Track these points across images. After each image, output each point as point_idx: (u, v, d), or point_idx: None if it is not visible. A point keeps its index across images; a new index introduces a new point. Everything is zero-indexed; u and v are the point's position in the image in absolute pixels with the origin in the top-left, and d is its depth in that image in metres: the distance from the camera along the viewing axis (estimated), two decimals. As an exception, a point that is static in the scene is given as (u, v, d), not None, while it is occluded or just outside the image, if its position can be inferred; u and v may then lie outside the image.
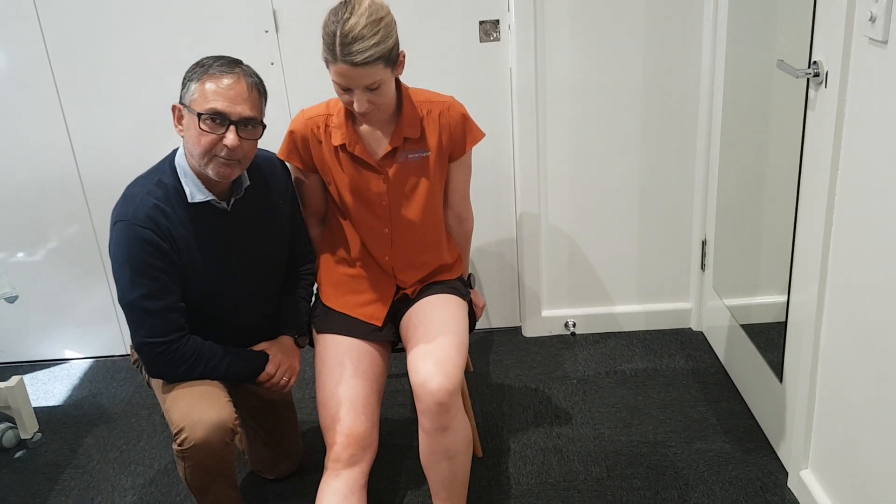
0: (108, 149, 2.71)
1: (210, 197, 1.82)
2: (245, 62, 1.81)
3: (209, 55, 1.78)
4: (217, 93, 1.72)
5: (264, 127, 1.81)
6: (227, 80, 1.73)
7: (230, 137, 1.73)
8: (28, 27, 2.55)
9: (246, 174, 1.89)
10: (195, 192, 1.81)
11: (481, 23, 2.57)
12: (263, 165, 1.96)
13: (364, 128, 1.94)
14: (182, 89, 1.77)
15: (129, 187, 1.83)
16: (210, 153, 1.74)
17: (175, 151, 1.86)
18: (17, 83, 2.63)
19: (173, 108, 1.80)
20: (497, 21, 2.57)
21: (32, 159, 2.73)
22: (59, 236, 2.85)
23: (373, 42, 1.70)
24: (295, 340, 2.06)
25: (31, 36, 2.57)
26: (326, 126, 1.94)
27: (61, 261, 2.88)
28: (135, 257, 1.76)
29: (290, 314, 2.07)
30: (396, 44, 1.77)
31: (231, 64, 1.76)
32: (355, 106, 1.78)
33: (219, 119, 1.73)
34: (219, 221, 1.87)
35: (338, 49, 1.70)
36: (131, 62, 2.60)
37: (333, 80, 1.77)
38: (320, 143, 1.96)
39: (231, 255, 1.90)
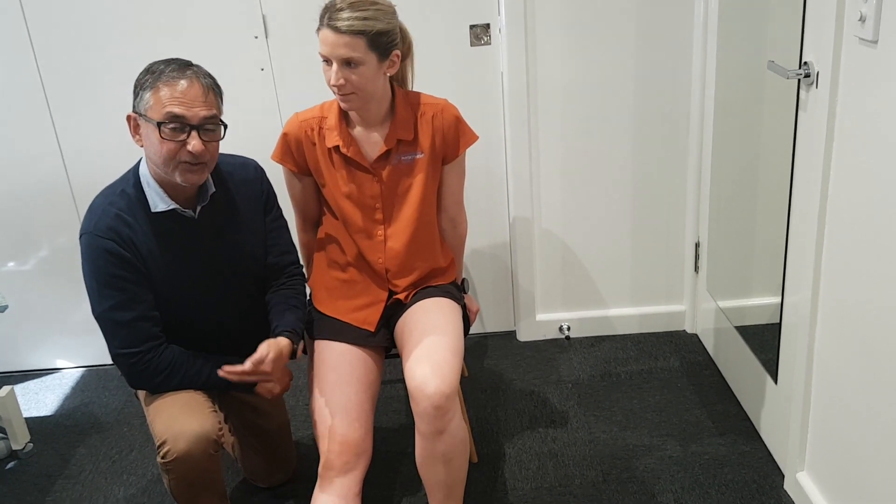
0: (97, 157, 2.70)
1: (173, 206, 1.80)
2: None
3: (157, 60, 1.74)
4: (174, 98, 1.68)
5: (226, 127, 1.79)
6: (181, 85, 1.69)
7: (194, 143, 1.70)
8: (16, 34, 2.54)
9: (211, 180, 1.86)
10: (157, 202, 1.79)
11: (472, 27, 2.57)
12: (233, 171, 1.93)
13: (358, 130, 1.94)
14: (135, 98, 1.73)
15: (94, 199, 1.82)
16: (174, 160, 1.71)
17: (140, 160, 1.84)
18: (5, 91, 2.61)
19: (128, 118, 1.76)
20: (487, 25, 2.56)
21: (22, 168, 2.72)
22: (50, 245, 2.83)
23: (359, 15, 1.75)
24: (292, 344, 1.92)
25: (20, 42, 2.55)
26: (320, 128, 1.94)
27: (52, 270, 2.86)
28: (100, 269, 1.75)
29: (282, 319, 1.96)
30: (389, 34, 1.80)
31: (183, 67, 1.72)
32: (331, 79, 1.80)
33: (179, 125, 1.69)
34: (185, 230, 1.84)
35: (326, 15, 1.77)
36: (120, 69, 2.58)
37: (319, 53, 1.81)
38: (314, 145, 1.95)
39: (200, 263, 1.88)
